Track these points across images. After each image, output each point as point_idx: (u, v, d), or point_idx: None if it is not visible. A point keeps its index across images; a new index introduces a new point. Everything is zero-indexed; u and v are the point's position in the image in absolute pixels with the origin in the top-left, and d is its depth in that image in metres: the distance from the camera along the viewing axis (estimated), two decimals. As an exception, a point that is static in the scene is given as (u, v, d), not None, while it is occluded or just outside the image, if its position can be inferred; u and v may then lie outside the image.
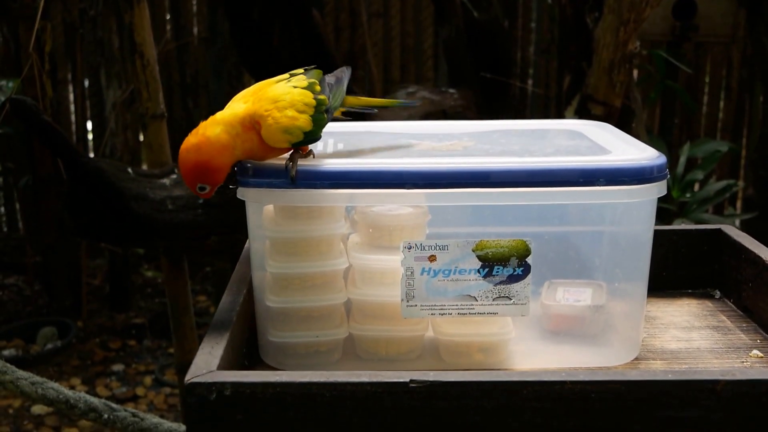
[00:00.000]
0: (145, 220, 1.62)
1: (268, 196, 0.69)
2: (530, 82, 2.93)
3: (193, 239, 1.64)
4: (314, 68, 0.76)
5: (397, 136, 0.82)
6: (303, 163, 0.69)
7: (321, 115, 0.71)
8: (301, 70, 0.74)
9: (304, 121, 0.69)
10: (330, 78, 0.76)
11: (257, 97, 0.70)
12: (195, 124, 0.70)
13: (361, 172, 0.68)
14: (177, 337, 1.70)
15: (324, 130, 0.76)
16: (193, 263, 2.63)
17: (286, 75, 0.74)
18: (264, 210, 0.73)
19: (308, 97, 0.70)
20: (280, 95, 0.70)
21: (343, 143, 0.79)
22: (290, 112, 0.68)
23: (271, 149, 0.69)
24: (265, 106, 0.69)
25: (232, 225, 1.60)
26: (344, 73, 0.78)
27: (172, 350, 2.23)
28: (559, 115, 2.42)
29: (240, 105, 0.70)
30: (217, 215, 1.60)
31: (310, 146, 0.72)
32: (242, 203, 0.72)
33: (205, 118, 0.69)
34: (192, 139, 0.68)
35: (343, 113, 0.80)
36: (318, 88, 0.72)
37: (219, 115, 0.69)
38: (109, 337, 2.69)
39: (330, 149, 0.77)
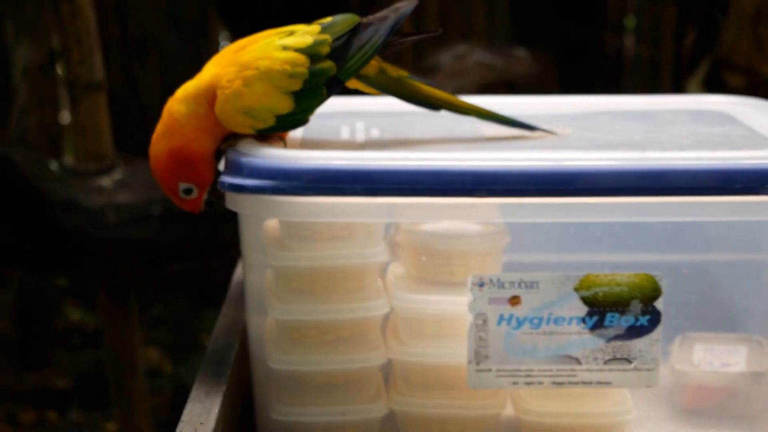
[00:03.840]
0: (74, 236, 1.63)
1: (271, 206, 0.68)
2: (631, 39, 2.90)
3: (146, 266, 1.64)
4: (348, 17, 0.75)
5: (459, 118, 0.80)
6: (322, 159, 0.68)
7: (315, 91, 0.72)
8: (329, 19, 0.74)
9: (278, 99, 0.71)
10: (368, 31, 0.74)
11: (229, 60, 0.72)
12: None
13: (408, 172, 0.67)
14: (120, 407, 1.70)
15: (352, 108, 0.76)
16: (139, 299, 2.63)
17: (292, 27, 0.74)
18: (265, 227, 0.72)
19: (298, 63, 0.71)
20: (254, 59, 0.71)
21: (379, 128, 0.78)
22: (259, 86, 0.70)
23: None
24: (230, 73, 0.71)
25: (204, 246, 1.60)
26: (396, 13, 0.75)
27: (111, 427, 2.22)
28: (677, 87, 2.40)
29: (210, 70, 0.73)
30: (182, 231, 1.60)
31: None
32: (229, 215, 0.71)
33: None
34: (159, 125, 0.72)
35: (384, 89, 0.78)
36: (326, 49, 0.72)
37: (184, 86, 0.73)
38: (18, 406, 2.69)
39: (360, 137, 0.76)
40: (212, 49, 2.46)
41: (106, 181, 1.63)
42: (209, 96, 0.71)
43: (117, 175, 1.64)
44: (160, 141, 0.71)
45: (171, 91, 0.73)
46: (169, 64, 2.90)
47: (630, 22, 2.91)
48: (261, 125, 0.71)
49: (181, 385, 2.28)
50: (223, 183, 0.69)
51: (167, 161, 0.71)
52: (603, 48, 2.49)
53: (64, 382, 2.80)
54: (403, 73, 0.77)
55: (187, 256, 1.64)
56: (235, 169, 0.69)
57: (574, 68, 2.25)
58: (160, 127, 0.72)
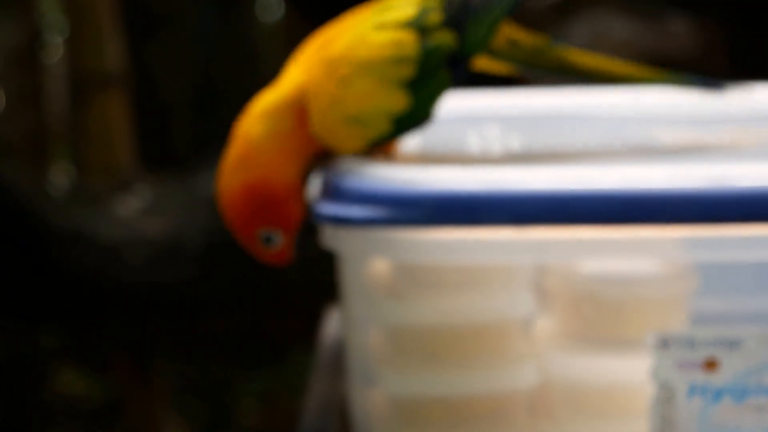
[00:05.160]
0: (82, 279, 1.62)
1: (384, 242, 0.67)
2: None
3: (179, 319, 1.63)
4: None
5: (626, 121, 0.80)
6: (451, 179, 0.66)
7: (434, 76, 0.70)
8: None
9: (389, 95, 0.70)
10: None
11: (317, 60, 0.71)
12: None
13: (562, 196, 0.65)
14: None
15: (479, 108, 0.80)
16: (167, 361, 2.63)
17: (388, 1, 0.73)
18: (372, 270, 0.72)
19: (405, 42, 0.70)
20: (347, 51, 0.70)
21: (519, 135, 0.78)
22: (361, 83, 0.69)
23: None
24: (320, 76, 0.70)
25: (254, 293, 1.58)
26: None
27: None
28: None
29: (293, 77, 0.72)
30: (228, 273, 1.57)
31: None
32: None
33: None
34: (230, 153, 0.71)
35: (521, 64, 0.76)
36: (437, 16, 0.71)
37: (261, 100, 0.72)
38: None
39: (496, 148, 0.76)
40: (250, 24, 2.44)
41: (124, 207, 1.62)
42: (296, 109, 0.70)
43: (139, 198, 1.63)
44: (233, 174, 0.70)
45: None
46: (195, 49, 2.86)
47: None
48: (373, 133, 0.69)
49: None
50: (320, 214, 0.67)
51: (244, 200, 0.70)
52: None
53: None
54: (541, 41, 0.75)
55: (231, 306, 1.63)
56: (336, 194, 0.67)
57: (748, 46, 2.21)
58: (231, 155, 0.71)
